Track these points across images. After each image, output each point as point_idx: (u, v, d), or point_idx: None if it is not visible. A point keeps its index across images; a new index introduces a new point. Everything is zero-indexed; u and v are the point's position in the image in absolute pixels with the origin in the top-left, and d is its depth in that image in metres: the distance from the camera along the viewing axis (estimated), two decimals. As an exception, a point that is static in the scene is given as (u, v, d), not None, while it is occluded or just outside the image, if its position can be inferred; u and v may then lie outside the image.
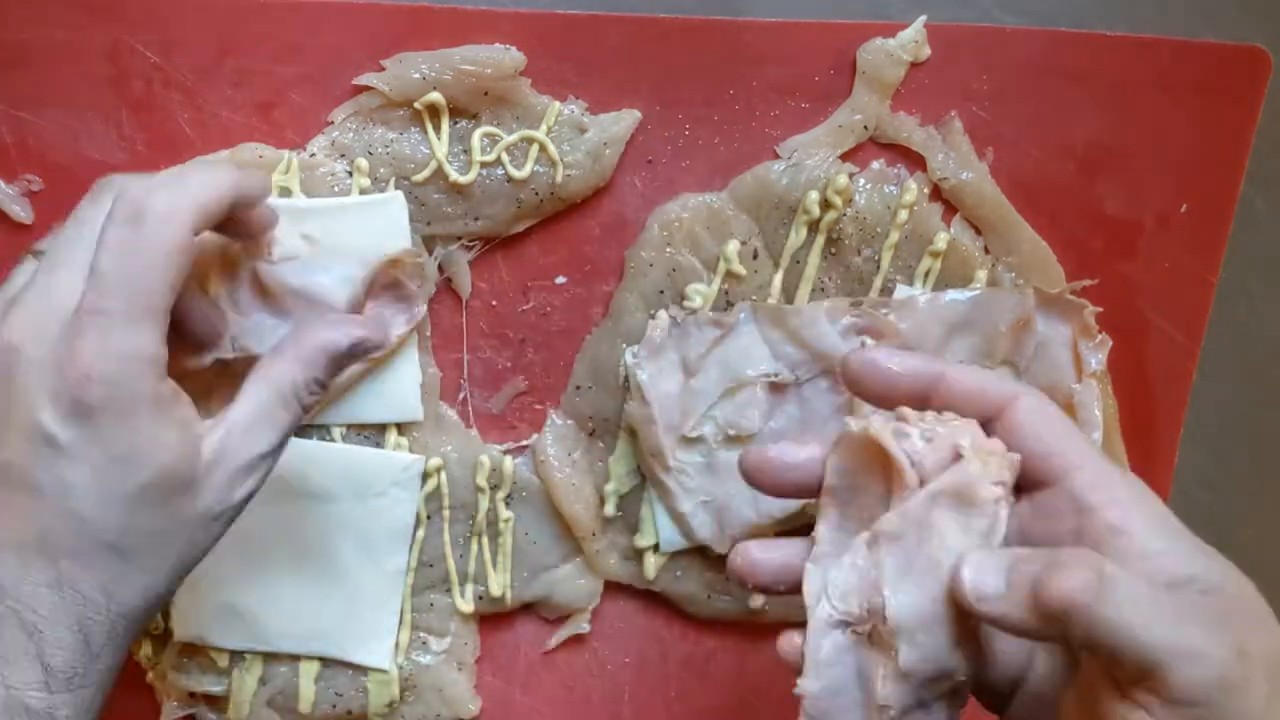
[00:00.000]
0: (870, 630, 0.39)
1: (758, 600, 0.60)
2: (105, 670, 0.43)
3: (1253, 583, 0.38)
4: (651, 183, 0.58)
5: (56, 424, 0.40)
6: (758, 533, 0.59)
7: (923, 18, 0.57)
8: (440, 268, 0.58)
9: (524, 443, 0.60)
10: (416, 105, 0.56)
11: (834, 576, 0.40)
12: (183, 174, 0.44)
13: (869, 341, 0.56)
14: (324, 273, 0.54)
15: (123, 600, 0.42)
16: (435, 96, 0.55)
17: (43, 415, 0.40)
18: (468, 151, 0.56)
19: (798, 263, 0.58)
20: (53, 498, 0.41)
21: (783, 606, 0.60)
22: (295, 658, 0.59)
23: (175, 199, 0.42)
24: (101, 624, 0.42)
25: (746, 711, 0.62)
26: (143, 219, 0.41)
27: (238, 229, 0.50)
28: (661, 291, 0.58)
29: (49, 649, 0.41)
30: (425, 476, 0.59)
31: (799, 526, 0.59)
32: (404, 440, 0.58)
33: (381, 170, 0.56)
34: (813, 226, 0.58)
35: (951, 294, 0.57)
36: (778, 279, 0.58)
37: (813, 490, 0.43)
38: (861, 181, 0.58)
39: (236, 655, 0.59)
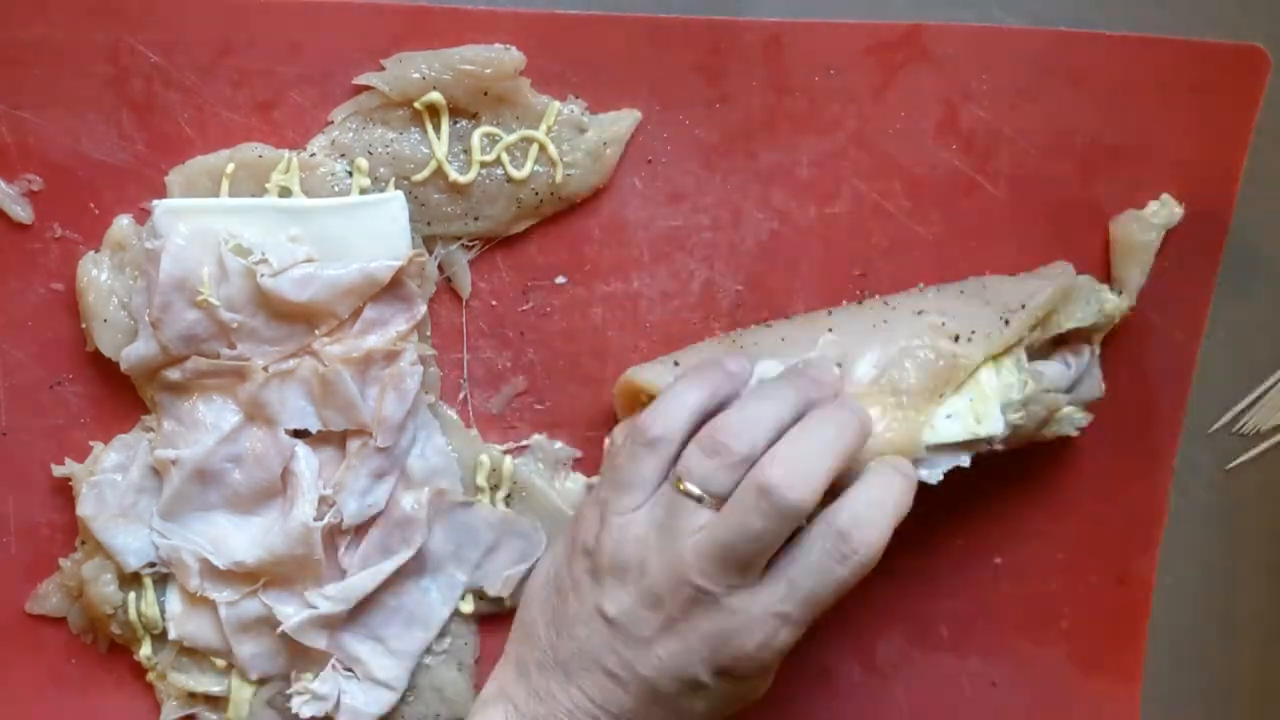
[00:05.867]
0: None
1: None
2: None
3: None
4: (651, 183, 0.58)
5: (708, 675, 0.50)
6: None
7: (1165, 196, 0.59)
8: (440, 268, 0.58)
9: (524, 442, 0.60)
10: (416, 105, 0.56)
11: None
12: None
13: None
14: (323, 283, 0.54)
15: None
16: (435, 96, 0.55)
17: (699, 671, 0.49)
18: (468, 151, 0.56)
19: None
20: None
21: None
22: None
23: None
24: None
25: (745, 711, 0.62)
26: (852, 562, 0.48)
27: None
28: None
29: None
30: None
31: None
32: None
33: (381, 170, 0.56)
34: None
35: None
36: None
37: None
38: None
39: (236, 655, 0.59)
